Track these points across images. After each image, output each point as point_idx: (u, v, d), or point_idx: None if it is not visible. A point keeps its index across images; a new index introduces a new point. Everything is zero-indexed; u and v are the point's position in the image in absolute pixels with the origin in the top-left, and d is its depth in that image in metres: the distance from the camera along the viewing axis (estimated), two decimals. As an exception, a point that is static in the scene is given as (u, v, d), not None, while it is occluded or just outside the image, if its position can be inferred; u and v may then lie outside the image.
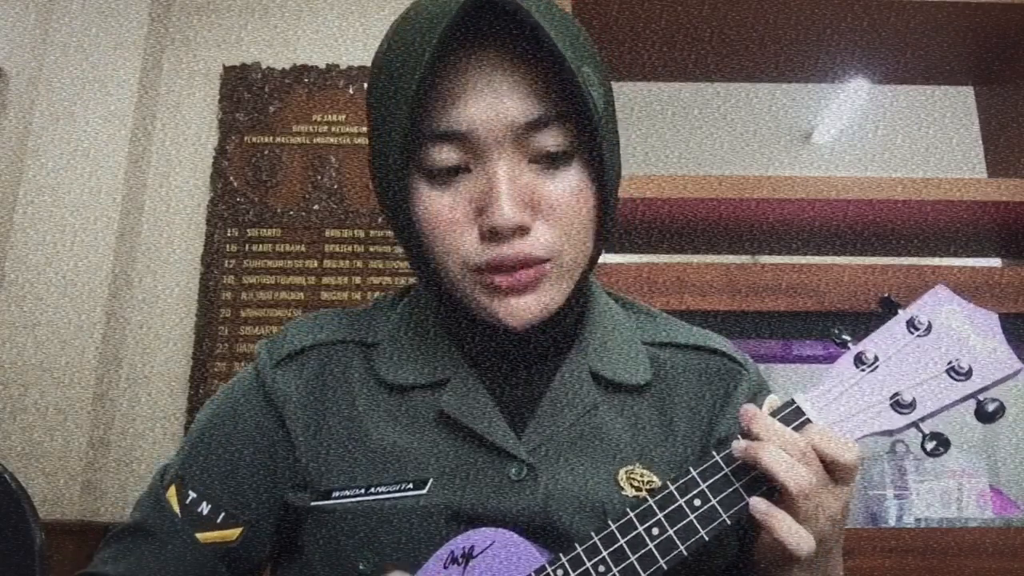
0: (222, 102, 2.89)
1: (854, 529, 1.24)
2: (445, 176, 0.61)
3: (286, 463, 0.67)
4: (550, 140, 0.60)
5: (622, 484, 0.64)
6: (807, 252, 1.61)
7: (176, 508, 0.66)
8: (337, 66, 2.92)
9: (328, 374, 0.69)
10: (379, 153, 0.63)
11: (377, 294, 2.72)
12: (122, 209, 2.67)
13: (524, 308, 0.61)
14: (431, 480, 0.63)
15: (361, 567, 0.61)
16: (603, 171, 0.62)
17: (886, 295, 0.62)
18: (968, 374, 0.57)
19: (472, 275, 0.61)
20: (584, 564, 0.56)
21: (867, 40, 1.55)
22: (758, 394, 0.72)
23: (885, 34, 1.53)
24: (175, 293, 2.75)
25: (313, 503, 0.64)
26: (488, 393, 0.66)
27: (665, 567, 0.55)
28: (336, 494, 0.64)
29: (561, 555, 0.57)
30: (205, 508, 0.66)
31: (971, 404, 0.57)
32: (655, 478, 0.65)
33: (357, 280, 2.73)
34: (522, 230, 0.59)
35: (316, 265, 2.75)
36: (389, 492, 0.63)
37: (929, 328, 0.59)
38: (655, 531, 0.56)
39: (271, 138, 2.86)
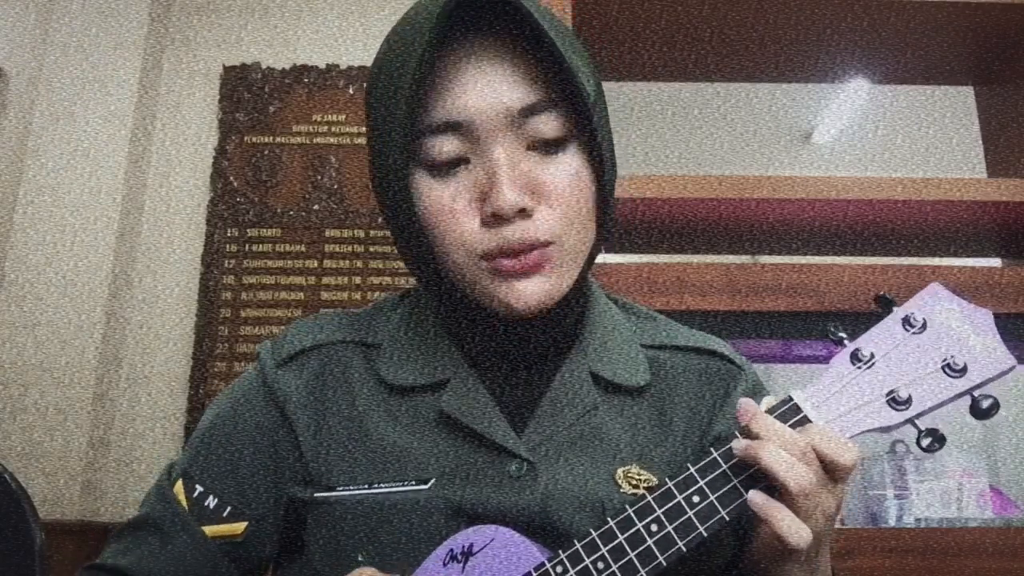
0: (222, 102, 2.89)
1: (854, 529, 1.24)
2: (446, 168, 0.62)
3: (289, 461, 0.68)
4: (546, 126, 0.61)
5: (620, 483, 0.64)
6: (807, 252, 1.61)
7: (183, 502, 0.67)
8: (337, 66, 2.92)
9: (329, 374, 0.69)
10: (379, 152, 0.64)
11: (377, 295, 2.73)
12: (122, 209, 2.67)
13: (531, 292, 0.62)
14: (432, 479, 0.63)
15: (360, 558, 0.61)
16: (600, 157, 0.63)
17: (882, 293, 0.62)
18: (963, 371, 0.58)
19: (478, 263, 0.62)
20: (583, 561, 0.56)
21: (867, 40, 1.55)
22: (755, 395, 0.73)
23: (885, 34, 1.53)
24: (175, 293, 2.75)
25: (316, 495, 0.65)
26: (488, 393, 0.67)
27: (664, 564, 0.55)
28: (340, 488, 0.64)
29: (560, 552, 0.57)
30: (212, 502, 0.67)
31: (966, 401, 0.58)
32: (653, 478, 0.65)
33: (357, 280, 2.74)
34: (524, 214, 0.60)
35: (316, 265, 2.75)
36: (391, 488, 0.63)
37: (925, 325, 0.60)
38: (654, 528, 0.56)
39: (271, 138, 2.87)
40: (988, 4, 1.44)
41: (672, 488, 0.57)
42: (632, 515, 0.56)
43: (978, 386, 0.58)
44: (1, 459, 0.87)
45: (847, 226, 1.43)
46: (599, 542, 0.56)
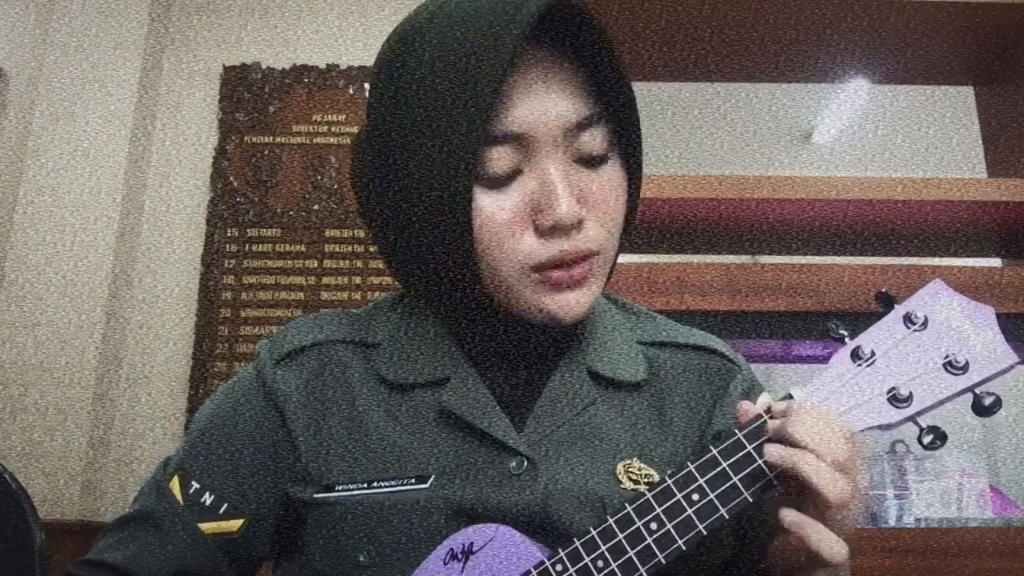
0: (222, 102, 2.89)
1: (854, 529, 1.24)
2: (502, 181, 0.60)
3: (287, 460, 0.67)
4: (594, 139, 0.62)
5: (621, 478, 0.64)
6: (807, 252, 1.61)
7: (179, 498, 0.67)
8: (337, 66, 2.92)
9: (328, 373, 0.69)
10: (419, 162, 0.60)
11: (377, 295, 2.72)
12: (122, 209, 2.67)
13: (575, 302, 0.62)
14: (432, 477, 0.63)
15: (362, 559, 0.61)
16: (639, 168, 0.64)
17: (884, 290, 0.62)
18: (965, 368, 0.57)
19: (529, 274, 0.61)
20: (583, 559, 0.56)
21: (867, 40, 1.55)
22: (752, 393, 0.73)
23: (885, 34, 1.53)
24: (175, 293, 2.75)
25: (315, 495, 0.64)
26: (488, 390, 0.67)
27: (664, 562, 0.55)
28: (339, 488, 0.64)
29: (560, 550, 0.56)
30: (208, 499, 0.66)
31: (968, 398, 0.57)
32: (653, 472, 0.65)
33: (357, 280, 2.74)
34: (579, 225, 0.61)
35: (316, 265, 2.75)
36: (391, 486, 0.63)
37: (926, 323, 0.60)
38: (653, 526, 0.56)
39: (271, 138, 2.86)
40: (988, 4, 1.44)
41: (671, 486, 0.57)
42: (631, 513, 0.56)
43: (980, 383, 0.57)
44: (1, 459, 0.86)
45: (847, 226, 1.43)
46: (599, 540, 0.56)
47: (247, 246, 2.76)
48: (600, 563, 0.55)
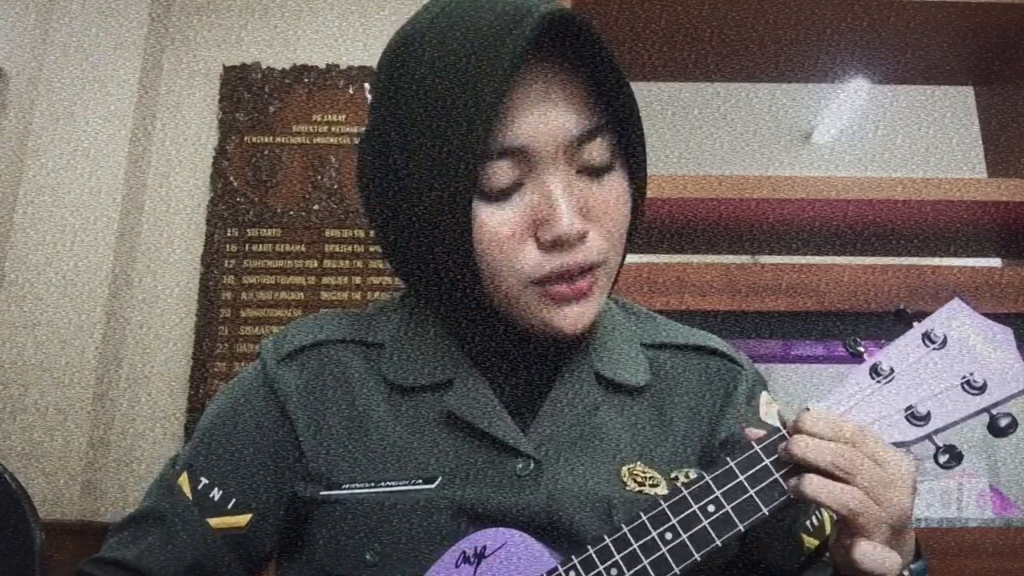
0: (222, 102, 2.89)
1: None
2: (502, 194, 0.60)
3: (292, 457, 0.68)
4: (598, 151, 0.61)
5: (625, 480, 0.64)
6: (807, 252, 1.61)
7: (188, 494, 0.67)
8: (337, 66, 2.92)
9: (328, 373, 0.69)
10: (419, 168, 0.60)
11: (377, 295, 2.72)
12: (122, 209, 2.67)
13: (580, 315, 0.62)
14: (439, 478, 0.63)
15: (368, 557, 0.61)
16: (643, 178, 0.64)
17: (901, 307, 0.62)
18: (983, 388, 0.57)
19: (532, 288, 0.61)
20: (597, 567, 0.55)
21: (867, 40, 1.56)
22: (755, 393, 0.73)
23: (885, 34, 1.53)
24: (175, 293, 2.75)
25: (322, 493, 0.65)
26: (492, 393, 0.67)
27: (679, 573, 0.55)
28: (345, 486, 0.64)
29: (573, 557, 0.56)
30: (216, 494, 0.67)
31: (984, 418, 0.57)
32: (658, 475, 0.65)
33: (357, 280, 2.74)
34: (583, 237, 0.60)
35: (316, 265, 2.75)
36: (397, 486, 0.63)
37: (944, 341, 0.60)
38: (668, 536, 0.55)
39: (271, 138, 2.87)
40: (988, 4, 1.44)
41: (687, 497, 0.56)
42: (646, 521, 0.56)
43: (997, 404, 0.57)
44: (1, 459, 0.87)
45: (847, 226, 1.43)
46: (612, 548, 0.56)
47: (247, 246, 2.76)
48: (614, 571, 0.55)
